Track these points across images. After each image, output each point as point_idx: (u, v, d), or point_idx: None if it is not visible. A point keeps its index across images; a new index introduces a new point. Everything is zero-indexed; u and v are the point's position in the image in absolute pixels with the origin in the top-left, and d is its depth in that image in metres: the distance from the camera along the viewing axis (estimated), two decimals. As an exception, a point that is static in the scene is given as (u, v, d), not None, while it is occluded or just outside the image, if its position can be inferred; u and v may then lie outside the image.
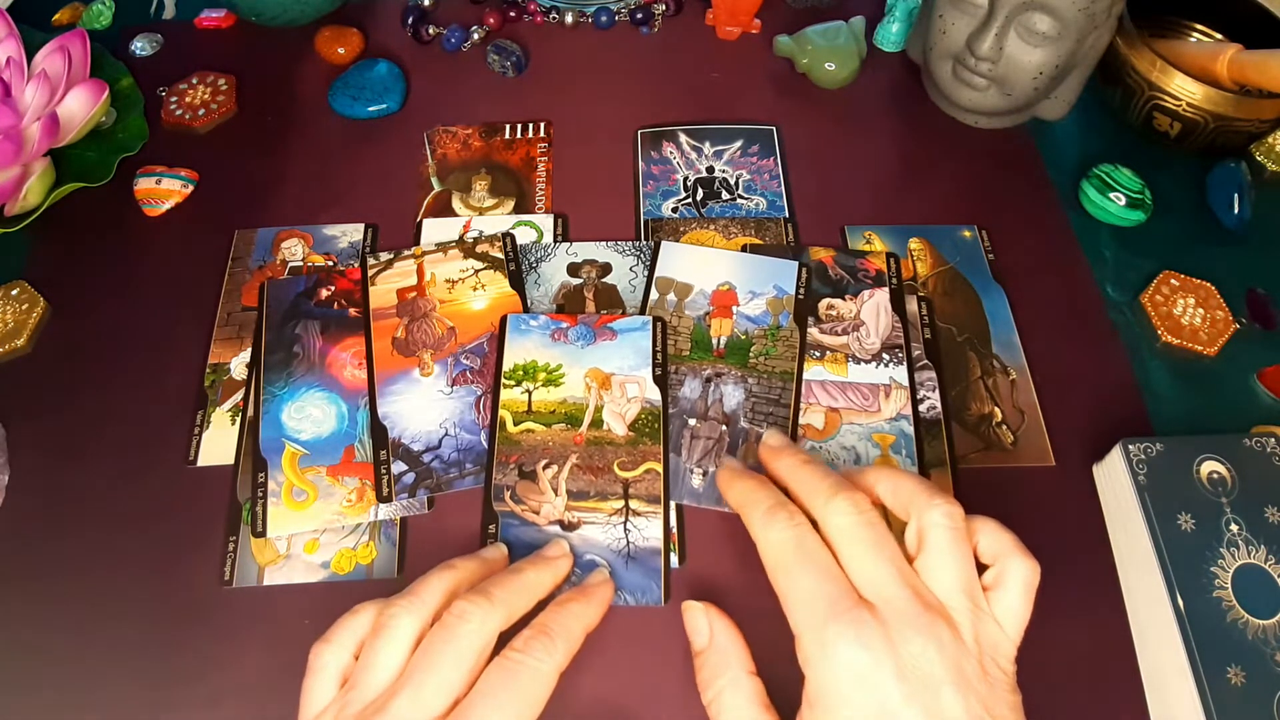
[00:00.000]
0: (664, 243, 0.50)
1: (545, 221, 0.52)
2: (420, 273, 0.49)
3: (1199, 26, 0.62)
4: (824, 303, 0.48)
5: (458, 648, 0.31)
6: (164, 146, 0.56)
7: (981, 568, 0.32)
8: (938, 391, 0.46)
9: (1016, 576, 0.31)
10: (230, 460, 0.44)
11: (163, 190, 0.53)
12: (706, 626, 0.35)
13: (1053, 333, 0.49)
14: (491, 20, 0.62)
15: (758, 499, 0.34)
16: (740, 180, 0.55)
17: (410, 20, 0.62)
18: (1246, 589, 0.37)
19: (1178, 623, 0.36)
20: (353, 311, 0.48)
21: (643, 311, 0.48)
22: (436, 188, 0.54)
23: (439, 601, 0.33)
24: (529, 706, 0.31)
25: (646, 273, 0.49)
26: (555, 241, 0.51)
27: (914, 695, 0.27)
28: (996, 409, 0.46)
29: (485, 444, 0.43)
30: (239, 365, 0.47)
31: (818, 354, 0.46)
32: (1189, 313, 0.49)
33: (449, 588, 0.34)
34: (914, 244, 0.52)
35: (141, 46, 0.62)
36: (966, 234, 0.52)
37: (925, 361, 0.47)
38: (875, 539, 0.31)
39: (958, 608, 0.30)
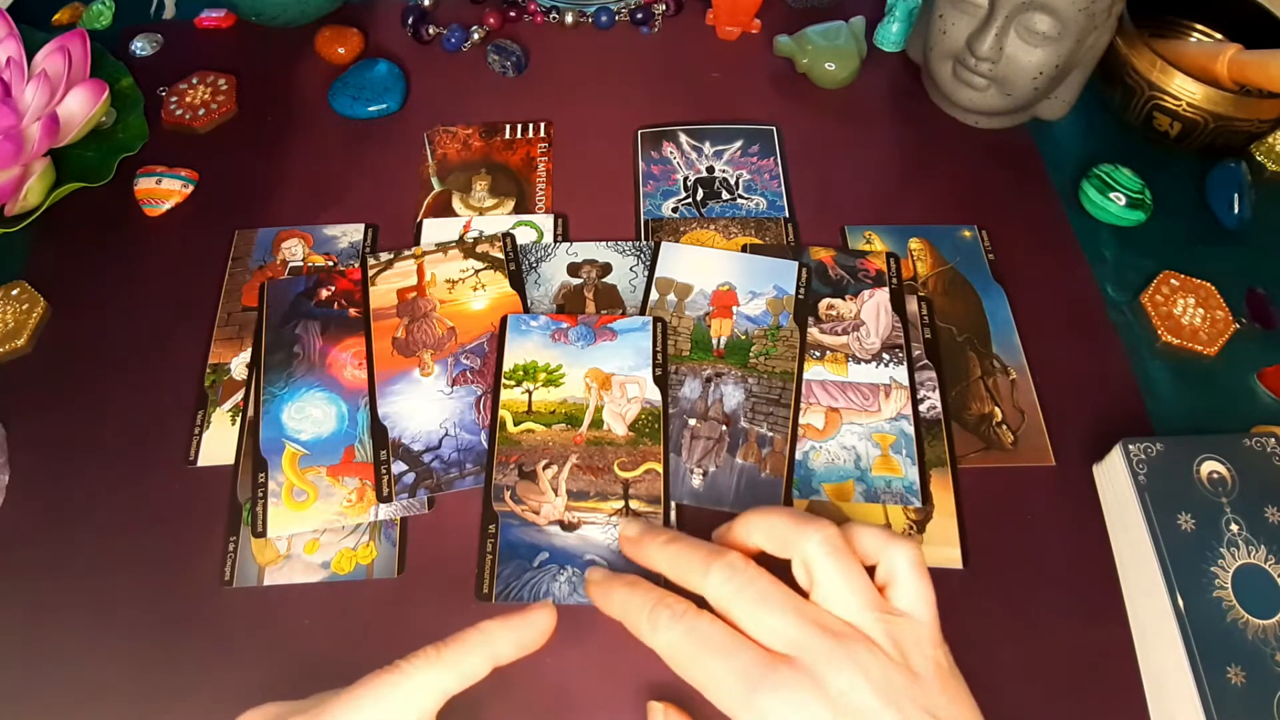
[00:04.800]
0: (664, 243, 0.50)
1: (545, 221, 0.52)
2: (420, 273, 0.49)
3: (1199, 26, 0.62)
4: (824, 303, 0.48)
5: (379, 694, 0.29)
6: (164, 146, 0.55)
7: (870, 570, 0.32)
8: (938, 391, 0.46)
9: (902, 563, 0.31)
10: (230, 460, 0.43)
11: (163, 190, 0.53)
12: None
13: (1053, 333, 0.49)
14: (491, 20, 0.62)
15: (634, 605, 0.31)
16: (740, 180, 0.55)
17: (410, 20, 0.62)
18: (1246, 589, 0.37)
19: (1178, 623, 0.36)
20: (353, 311, 0.48)
21: (643, 311, 0.48)
22: (436, 188, 0.54)
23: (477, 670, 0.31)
24: (386, 714, 0.28)
25: (646, 273, 0.49)
26: (555, 241, 0.51)
27: None
28: (996, 409, 0.46)
29: (485, 444, 0.43)
30: (239, 365, 0.47)
31: (818, 354, 0.46)
32: (1189, 313, 0.49)
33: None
34: (914, 244, 0.52)
35: (141, 46, 0.62)
36: (966, 234, 0.52)
37: (925, 361, 0.47)
38: (762, 592, 0.30)
39: (866, 623, 0.29)
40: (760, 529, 0.32)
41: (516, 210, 0.53)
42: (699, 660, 0.29)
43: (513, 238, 0.51)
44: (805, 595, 0.30)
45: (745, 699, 0.28)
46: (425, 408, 0.44)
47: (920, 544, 0.31)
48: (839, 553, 0.30)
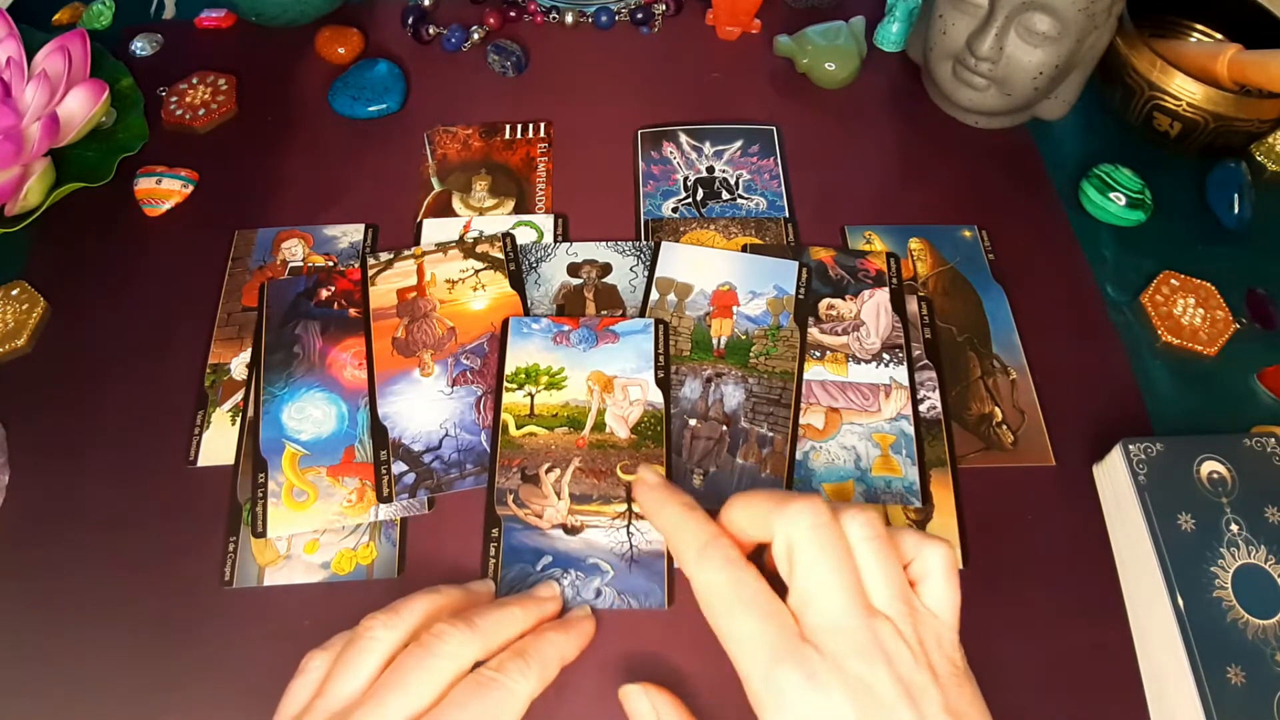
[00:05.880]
0: (664, 243, 0.50)
1: (545, 221, 0.52)
2: (420, 273, 0.49)
3: (1199, 26, 0.62)
4: (824, 303, 0.48)
5: (430, 667, 0.32)
6: (164, 146, 0.55)
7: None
8: (938, 391, 0.46)
9: (936, 564, 0.31)
10: (230, 460, 0.43)
11: (163, 190, 0.53)
12: (650, 709, 0.34)
13: (1053, 333, 0.49)
14: (491, 20, 0.62)
15: (689, 532, 0.31)
16: (740, 180, 0.55)
17: (410, 20, 0.62)
18: (1246, 589, 0.37)
19: (1178, 623, 0.36)
20: (353, 312, 0.48)
21: (643, 311, 0.48)
22: (436, 188, 0.54)
23: (418, 621, 0.34)
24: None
25: (647, 273, 0.49)
26: (555, 241, 0.51)
27: None
28: (996, 409, 0.46)
29: (485, 444, 0.43)
30: (239, 365, 0.46)
31: (818, 354, 0.46)
32: (1189, 313, 0.49)
33: (431, 610, 0.35)
34: (914, 244, 0.52)
35: (141, 46, 0.62)
36: (966, 234, 0.52)
37: (925, 361, 0.47)
38: (839, 548, 0.30)
39: (896, 614, 0.29)
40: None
41: (516, 210, 0.53)
42: (734, 612, 0.29)
43: (513, 238, 0.51)
44: None
45: (766, 667, 0.28)
46: (425, 408, 0.44)
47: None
48: (880, 539, 0.30)
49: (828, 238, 0.52)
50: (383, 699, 0.31)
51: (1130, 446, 0.41)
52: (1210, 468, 0.40)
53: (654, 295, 0.48)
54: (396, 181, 0.54)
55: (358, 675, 0.32)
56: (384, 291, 0.48)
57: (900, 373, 0.46)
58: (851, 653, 0.28)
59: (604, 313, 0.48)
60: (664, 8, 0.64)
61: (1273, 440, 0.41)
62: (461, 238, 0.51)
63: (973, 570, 0.41)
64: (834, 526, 0.30)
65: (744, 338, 0.47)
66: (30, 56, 0.50)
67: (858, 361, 0.46)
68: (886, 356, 0.46)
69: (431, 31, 0.62)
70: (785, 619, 0.29)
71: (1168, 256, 0.52)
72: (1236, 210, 0.53)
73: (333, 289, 0.49)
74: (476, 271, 0.49)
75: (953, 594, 0.31)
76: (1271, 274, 0.52)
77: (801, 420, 0.44)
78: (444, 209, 0.53)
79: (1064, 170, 0.56)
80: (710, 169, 0.55)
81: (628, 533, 0.41)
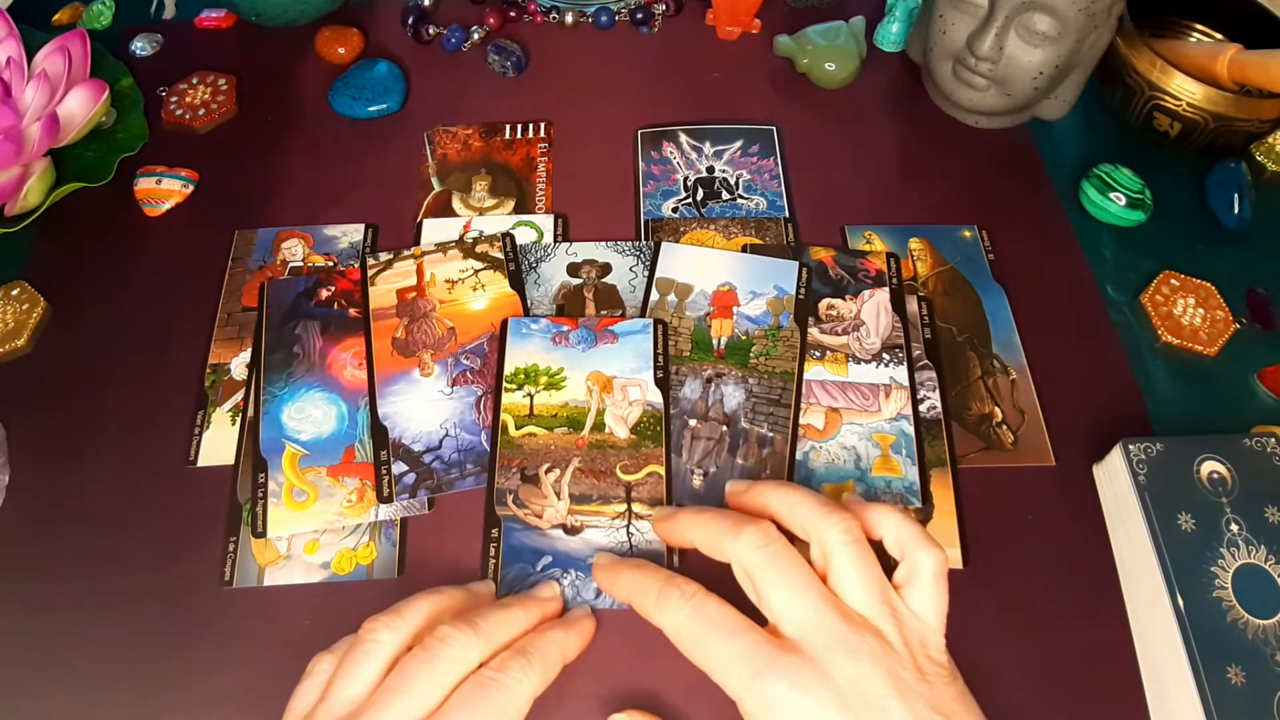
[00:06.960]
0: (664, 243, 0.50)
1: (545, 221, 0.52)
2: (420, 273, 0.49)
3: (1199, 26, 0.62)
4: (824, 303, 0.48)
5: (434, 670, 0.32)
6: (164, 146, 0.55)
7: (888, 554, 0.33)
8: (938, 391, 0.46)
9: (926, 569, 0.31)
10: (230, 460, 0.43)
11: (163, 190, 0.53)
12: None
13: (1053, 333, 0.49)
14: (491, 20, 0.62)
15: (642, 586, 0.33)
16: (740, 180, 0.55)
17: (410, 20, 0.62)
18: (1246, 589, 0.37)
19: (1178, 623, 0.36)
20: (353, 312, 0.48)
21: (643, 312, 0.48)
22: (436, 188, 0.54)
23: (421, 623, 0.34)
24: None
25: (646, 273, 0.49)
26: (555, 241, 0.51)
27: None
28: (996, 409, 0.46)
29: (486, 444, 0.43)
30: (239, 365, 0.46)
31: (818, 354, 0.46)
32: (1189, 313, 0.49)
33: (433, 612, 0.35)
34: (914, 244, 0.52)
35: (141, 46, 0.62)
36: (966, 234, 0.52)
37: (925, 361, 0.47)
38: (789, 566, 0.30)
39: (877, 617, 0.30)
40: (781, 504, 0.33)
41: (516, 210, 0.53)
42: (705, 641, 0.30)
43: (512, 238, 0.51)
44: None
45: (751, 681, 0.28)
46: (425, 408, 0.44)
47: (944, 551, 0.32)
48: (859, 544, 0.31)
49: (828, 238, 0.52)
50: (386, 703, 0.31)
51: (1130, 446, 0.41)
52: (1210, 468, 0.40)
53: (654, 295, 0.48)
54: (396, 181, 0.54)
55: (360, 679, 0.32)
56: (384, 291, 0.48)
57: (900, 373, 0.46)
58: (834, 653, 0.28)
59: (603, 313, 0.48)
60: (664, 8, 0.64)
61: (1273, 440, 0.41)
62: (461, 238, 0.51)
63: (973, 570, 0.41)
64: (782, 542, 0.31)
65: (744, 338, 0.47)
66: (30, 56, 0.50)
67: (858, 361, 0.46)
68: (886, 356, 0.46)
69: (431, 31, 0.62)
70: (757, 633, 0.29)
71: (1168, 256, 0.52)
72: (1236, 210, 0.53)
73: (333, 289, 0.49)
74: (476, 271, 0.49)
75: (939, 601, 0.31)
76: (1271, 274, 0.52)
77: (801, 420, 0.44)
78: (444, 209, 0.53)
79: (1064, 170, 0.56)
80: (710, 169, 0.55)
81: (627, 533, 0.41)
